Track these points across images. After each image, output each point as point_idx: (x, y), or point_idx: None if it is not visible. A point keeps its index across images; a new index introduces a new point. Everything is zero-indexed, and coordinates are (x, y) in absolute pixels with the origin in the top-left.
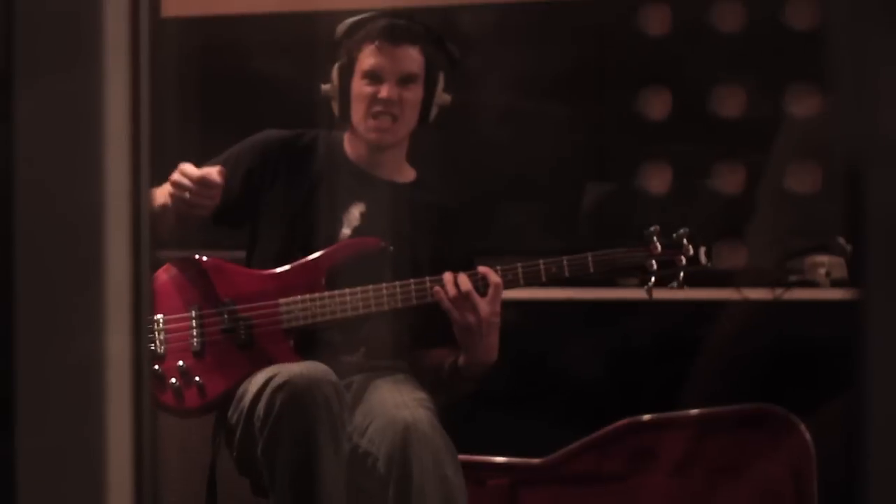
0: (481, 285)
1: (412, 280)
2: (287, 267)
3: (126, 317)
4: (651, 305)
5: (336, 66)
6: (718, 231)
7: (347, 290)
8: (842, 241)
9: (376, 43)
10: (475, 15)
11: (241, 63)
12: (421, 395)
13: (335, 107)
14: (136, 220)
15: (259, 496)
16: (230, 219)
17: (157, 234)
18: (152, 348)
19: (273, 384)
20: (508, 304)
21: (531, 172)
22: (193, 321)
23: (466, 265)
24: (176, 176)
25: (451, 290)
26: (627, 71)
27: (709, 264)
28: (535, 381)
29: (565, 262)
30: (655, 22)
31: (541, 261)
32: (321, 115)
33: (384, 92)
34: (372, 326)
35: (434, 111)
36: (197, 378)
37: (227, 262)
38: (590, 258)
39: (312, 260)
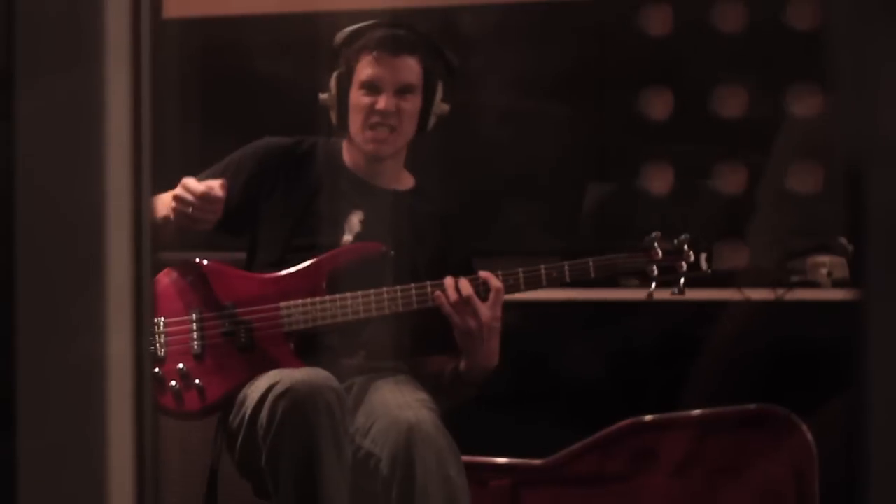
0: (482, 290)
1: (413, 284)
2: (288, 271)
3: (127, 318)
4: (652, 306)
5: (334, 75)
6: (720, 231)
7: (349, 294)
8: (843, 241)
9: (374, 53)
10: (476, 15)
11: (241, 64)
12: (423, 395)
13: (333, 116)
14: (137, 220)
15: (261, 498)
16: (230, 226)
17: (158, 240)
18: (152, 350)
19: (275, 392)
20: (510, 305)
21: (532, 173)
22: (194, 324)
23: (466, 270)
24: (178, 191)
25: (453, 295)
26: (628, 71)
27: (709, 271)
28: (537, 381)
29: (566, 268)
30: (656, 22)
31: (542, 266)
32: (321, 118)
33: (382, 103)
34: (373, 330)
35: (432, 120)
36: (197, 381)
37: (228, 265)
38: (591, 264)
39: (314, 264)
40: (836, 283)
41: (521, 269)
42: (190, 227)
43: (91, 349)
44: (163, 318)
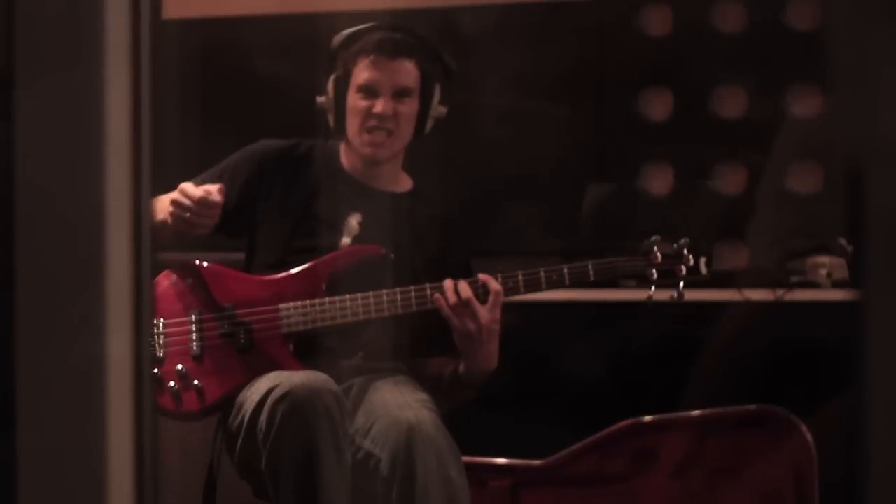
0: (482, 293)
1: (412, 287)
2: (288, 273)
3: (127, 318)
4: (652, 306)
5: (332, 78)
6: (719, 232)
7: (348, 296)
8: (843, 241)
9: (371, 57)
10: (476, 16)
11: (241, 64)
12: (423, 395)
13: (331, 119)
14: (136, 220)
15: (261, 499)
16: (228, 228)
17: (156, 242)
18: (152, 351)
19: (274, 395)
20: (509, 306)
21: (532, 173)
22: (193, 325)
23: (465, 272)
24: (176, 196)
25: (452, 298)
26: (628, 71)
27: (709, 275)
28: (537, 382)
29: (566, 271)
30: (656, 22)
31: (541, 269)
32: (320, 120)
33: (379, 107)
34: (372, 332)
35: (430, 123)
36: (196, 382)
37: (228, 267)
38: (590, 267)
39: (313, 266)
40: (836, 284)
41: (520, 273)
42: (188, 231)
43: (91, 350)
44: (162, 320)
